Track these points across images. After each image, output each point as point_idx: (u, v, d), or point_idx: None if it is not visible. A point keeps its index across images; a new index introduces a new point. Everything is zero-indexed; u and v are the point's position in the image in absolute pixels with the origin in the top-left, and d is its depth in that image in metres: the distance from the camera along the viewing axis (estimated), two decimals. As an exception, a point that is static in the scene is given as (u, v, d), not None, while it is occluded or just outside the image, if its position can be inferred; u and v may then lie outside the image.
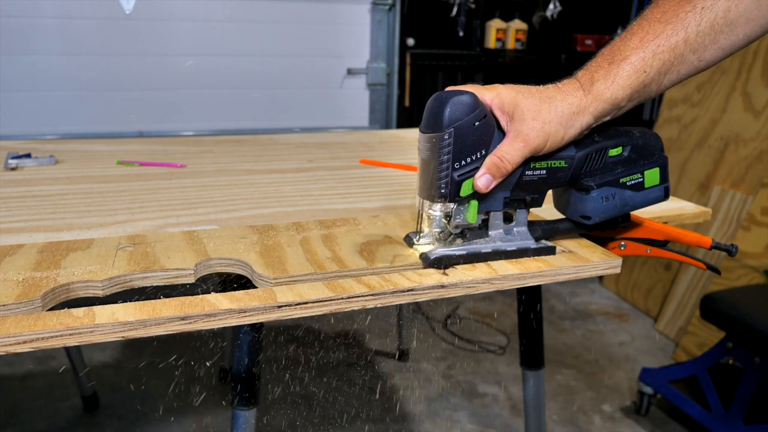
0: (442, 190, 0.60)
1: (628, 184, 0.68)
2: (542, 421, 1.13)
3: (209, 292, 0.55)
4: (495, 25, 2.76)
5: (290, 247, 0.68)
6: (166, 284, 0.61)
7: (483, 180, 0.61)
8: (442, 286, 0.59)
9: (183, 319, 0.51)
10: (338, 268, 0.62)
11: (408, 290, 0.58)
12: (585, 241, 0.71)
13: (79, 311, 0.50)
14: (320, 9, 2.48)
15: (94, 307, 0.51)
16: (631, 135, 0.69)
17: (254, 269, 0.61)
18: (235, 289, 0.56)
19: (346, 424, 1.74)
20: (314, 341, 2.21)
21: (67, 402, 1.80)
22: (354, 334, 2.28)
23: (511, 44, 2.79)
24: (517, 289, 1.02)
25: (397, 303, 0.57)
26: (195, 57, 2.39)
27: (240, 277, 0.65)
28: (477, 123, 0.59)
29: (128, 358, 2.06)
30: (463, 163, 0.60)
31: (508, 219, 0.68)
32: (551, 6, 2.80)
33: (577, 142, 0.65)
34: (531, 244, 0.68)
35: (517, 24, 2.79)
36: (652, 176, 0.70)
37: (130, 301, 0.53)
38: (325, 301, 0.55)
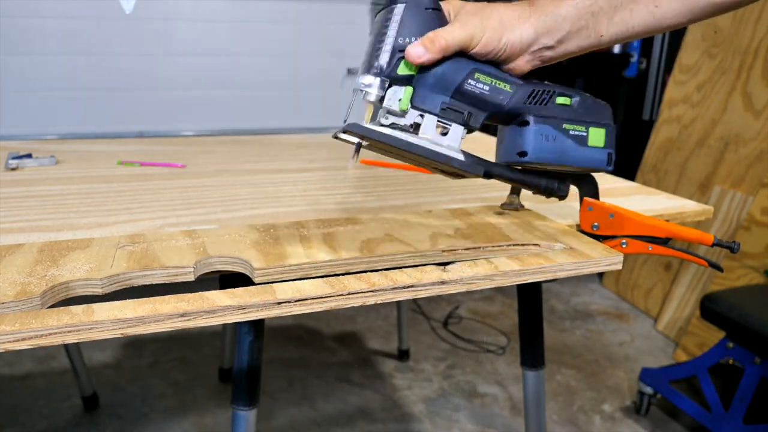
0: (381, 61, 0.60)
1: (570, 132, 0.67)
2: (542, 421, 1.13)
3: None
4: (495, 25, 2.76)
5: (290, 245, 0.67)
6: (166, 282, 0.61)
7: (416, 50, 0.59)
8: (443, 282, 0.59)
9: (182, 315, 0.51)
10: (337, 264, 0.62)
11: (408, 287, 0.58)
12: (585, 238, 0.71)
13: (78, 308, 0.50)
14: (320, 9, 2.48)
15: (93, 304, 0.51)
16: (581, 92, 0.68)
17: (254, 267, 0.61)
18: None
19: (346, 424, 1.73)
20: (312, 339, 2.21)
21: (67, 402, 1.80)
22: (353, 334, 2.28)
23: (511, 44, 2.78)
24: (518, 287, 1.02)
25: (397, 299, 0.57)
26: (195, 57, 2.39)
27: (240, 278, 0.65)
28: (428, 9, 0.60)
29: (128, 357, 2.06)
30: (408, 40, 0.60)
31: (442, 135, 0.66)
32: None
33: (526, 78, 0.65)
34: (460, 156, 0.64)
35: (517, 24, 2.78)
36: (596, 135, 0.68)
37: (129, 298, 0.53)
38: (325, 297, 0.55)
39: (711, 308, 1.62)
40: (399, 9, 0.60)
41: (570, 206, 0.92)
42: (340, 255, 0.64)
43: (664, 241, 0.73)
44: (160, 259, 0.63)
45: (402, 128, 0.63)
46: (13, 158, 1.17)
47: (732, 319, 1.56)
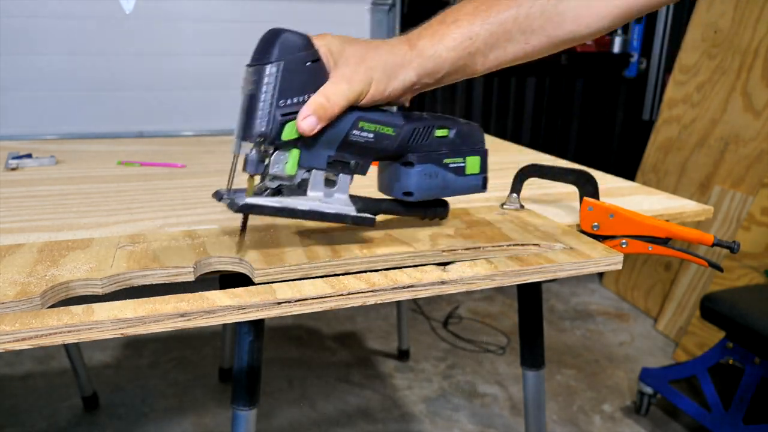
0: (263, 129, 0.56)
1: (450, 166, 0.70)
2: (542, 421, 1.13)
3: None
4: (495, 25, 2.75)
5: (290, 245, 0.67)
6: (166, 282, 0.61)
7: (307, 122, 0.56)
8: (443, 282, 0.59)
9: (182, 315, 0.51)
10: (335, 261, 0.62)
11: (408, 286, 0.58)
12: (585, 238, 0.71)
13: (78, 308, 0.50)
14: (320, 9, 2.48)
15: (93, 304, 0.51)
16: (457, 121, 0.70)
17: (254, 267, 0.61)
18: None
19: (346, 424, 1.73)
20: (312, 339, 2.21)
21: (67, 402, 1.80)
22: (353, 334, 2.28)
23: (511, 44, 2.78)
24: (518, 287, 1.02)
25: (397, 299, 0.57)
26: (195, 57, 2.39)
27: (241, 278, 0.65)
28: (308, 63, 0.57)
29: (128, 357, 2.06)
30: (289, 102, 0.56)
31: (330, 185, 0.65)
32: (551, 6, 2.80)
33: (406, 116, 0.66)
34: (351, 211, 0.65)
35: (517, 24, 2.78)
36: (473, 163, 0.72)
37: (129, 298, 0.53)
38: (325, 297, 0.55)
39: (711, 308, 1.62)
40: (273, 69, 0.55)
41: (570, 206, 0.92)
42: (340, 255, 0.64)
43: (664, 241, 0.73)
44: (160, 259, 0.63)
45: (290, 188, 0.62)
46: (13, 158, 1.17)
47: (732, 319, 1.56)
